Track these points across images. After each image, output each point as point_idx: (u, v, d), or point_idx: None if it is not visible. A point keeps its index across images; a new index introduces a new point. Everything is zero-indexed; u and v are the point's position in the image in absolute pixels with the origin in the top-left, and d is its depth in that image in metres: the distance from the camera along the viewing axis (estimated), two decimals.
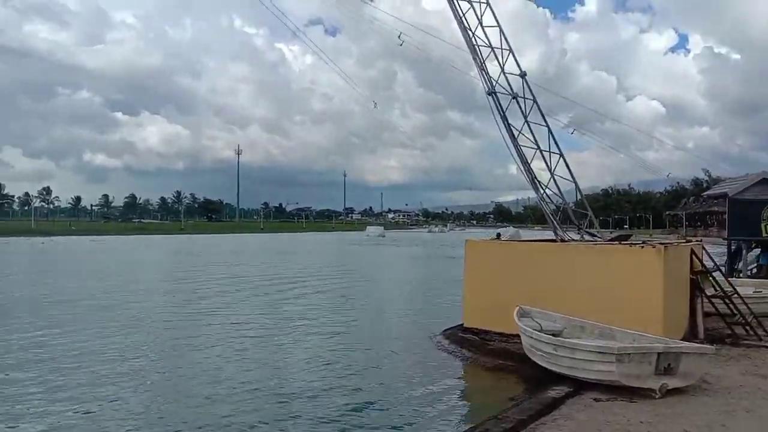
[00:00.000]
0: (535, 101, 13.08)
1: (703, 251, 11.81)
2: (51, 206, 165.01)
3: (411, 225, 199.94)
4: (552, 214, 12.47)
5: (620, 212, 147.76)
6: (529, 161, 12.83)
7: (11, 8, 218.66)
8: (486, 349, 9.93)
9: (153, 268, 31.98)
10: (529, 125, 13.06)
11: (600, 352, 7.19)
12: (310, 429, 6.90)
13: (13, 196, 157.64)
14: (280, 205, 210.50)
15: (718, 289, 11.06)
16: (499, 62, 13.35)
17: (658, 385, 7.04)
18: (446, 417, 7.27)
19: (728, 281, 12.03)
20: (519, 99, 13.25)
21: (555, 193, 12.90)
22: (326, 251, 49.56)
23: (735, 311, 10.98)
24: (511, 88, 13.33)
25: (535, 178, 12.71)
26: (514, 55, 13.50)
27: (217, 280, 23.47)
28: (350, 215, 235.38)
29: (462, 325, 11.38)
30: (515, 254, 11.09)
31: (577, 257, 10.28)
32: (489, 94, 13.22)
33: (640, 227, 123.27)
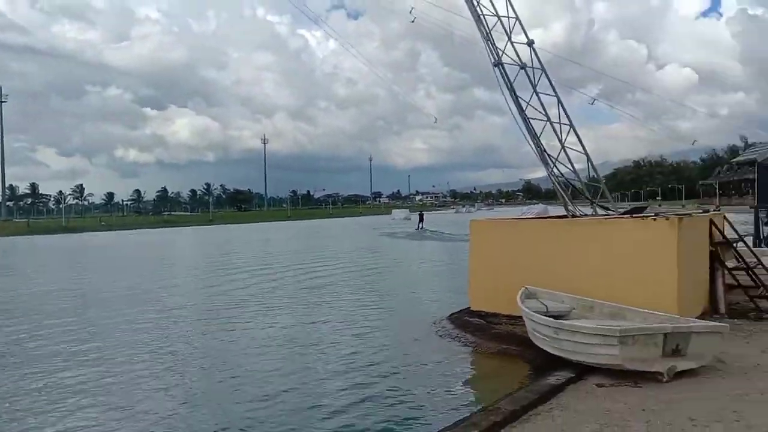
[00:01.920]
0: (543, 70, 12.47)
1: (725, 221, 11.13)
2: (85, 203, 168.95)
3: (439, 206, 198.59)
4: (563, 189, 11.91)
5: (652, 184, 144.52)
6: (538, 134, 12.27)
7: (38, 10, 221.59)
8: (490, 333, 9.47)
9: (177, 260, 32.18)
10: (538, 96, 12.49)
11: (602, 335, 6.68)
12: (289, 419, 6.61)
13: (48, 195, 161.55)
14: (308, 192, 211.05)
15: (740, 260, 10.40)
16: (506, 31, 12.77)
17: (665, 368, 6.52)
18: (435, 408, 6.84)
19: (752, 252, 11.32)
20: (527, 69, 12.71)
21: (570, 170, 12.36)
22: (348, 235, 49.48)
23: (758, 283, 10.31)
24: (520, 59, 12.75)
25: (545, 151, 12.14)
26: (521, 23, 12.91)
27: (228, 269, 23.40)
28: (378, 199, 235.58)
29: (469, 308, 10.95)
30: (521, 232, 10.57)
31: (586, 233, 9.72)
32: (495, 66, 12.66)
33: (673, 198, 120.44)
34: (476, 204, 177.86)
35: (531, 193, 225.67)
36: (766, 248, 15.87)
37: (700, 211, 10.61)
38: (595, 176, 11.81)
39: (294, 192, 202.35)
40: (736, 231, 11.19)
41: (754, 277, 10.37)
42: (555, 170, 11.89)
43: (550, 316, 8.75)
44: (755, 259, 11.03)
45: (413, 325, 11.27)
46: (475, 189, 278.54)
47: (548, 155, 11.95)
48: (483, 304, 10.62)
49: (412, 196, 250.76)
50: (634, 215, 9.71)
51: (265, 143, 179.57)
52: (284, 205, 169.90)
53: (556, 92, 12.16)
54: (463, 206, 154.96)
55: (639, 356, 6.53)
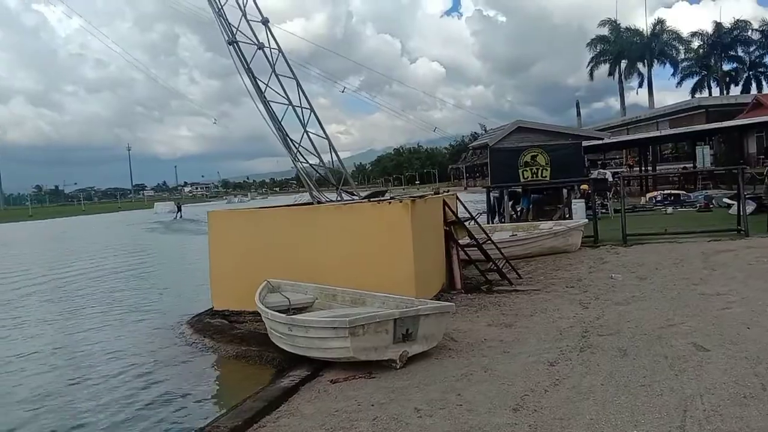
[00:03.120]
0: (280, 51, 11.85)
1: (458, 202, 11.73)
2: None
3: (210, 197, 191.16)
4: (308, 175, 11.51)
5: (411, 169, 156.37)
6: (280, 118, 11.66)
7: None
8: (231, 335, 8.62)
9: None
10: (277, 77, 11.85)
11: (332, 328, 6.27)
12: None
13: None
14: (57, 187, 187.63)
15: (472, 238, 11.01)
16: (239, 6, 11.89)
17: (398, 354, 6.35)
18: None
19: (482, 228, 12.15)
20: (266, 50, 12.00)
21: (315, 156, 11.96)
22: (97, 233, 44.63)
23: (488, 258, 11.03)
24: (256, 38, 11.99)
25: (287, 136, 11.58)
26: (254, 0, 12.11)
27: None
28: (142, 192, 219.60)
29: (212, 309, 10.00)
30: (262, 222, 9.88)
31: (327, 219, 9.37)
32: (230, 44, 11.71)
33: (429, 182, 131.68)
34: (249, 194, 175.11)
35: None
36: (497, 224, 17.49)
37: (432, 192, 11.01)
38: (338, 161, 11.61)
39: (39, 187, 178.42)
40: (468, 210, 11.89)
41: (483, 252, 11.05)
42: (299, 156, 11.41)
43: (292, 309, 8.29)
44: (485, 236, 11.83)
45: (146, 336, 9.91)
46: (248, 178, 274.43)
47: (291, 140, 11.42)
48: (226, 303, 9.75)
49: (180, 188, 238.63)
50: (371, 200, 9.64)
51: None
52: (27, 203, 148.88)
53: (294, 75, 11.67)
54: (236, 196, 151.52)
55: (371, 345, 6.25)
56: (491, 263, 10.92)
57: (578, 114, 74.25)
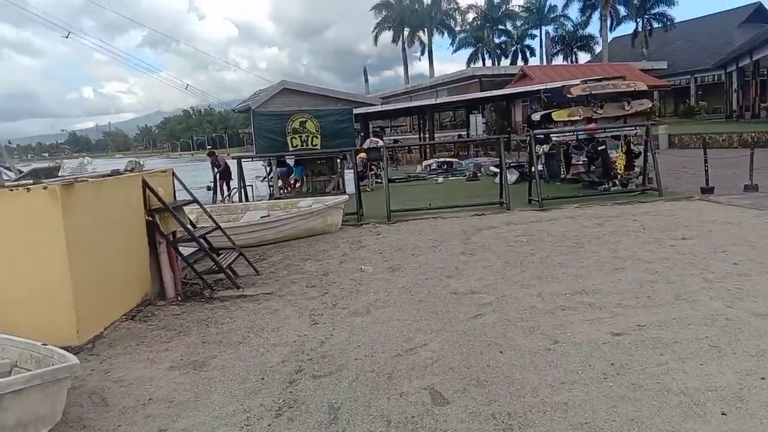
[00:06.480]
0: None
1: (175, 180, 9.04)
2: None
3: None
4: None
5: (202, 133, 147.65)
6: None
7: None
8: None
9: None
10: None
11: None
12: None
13: None
14: None
15: (183, 227, 8.44)
16: None
17: None
18: None
19: (207, 213, 9.61)
20: None
21: None
22: None
23: (208, 254, 8.60)
24: None
25: None
26: None
27: None
28: None
29: None
30: None
31: None
32: None
33: (222, 147, 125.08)
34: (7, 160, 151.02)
35: (79, 145, 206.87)
36: (251, 202, 15.12)
37: (131, 169, 8.18)
38: None
39: None
40: (188, 191, 9.24)
41: (201, 246, 8.58)
42: None
43: None
44: (213, 224, 9.35)
45: None
46: (9, 142, 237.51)
47: None
48: None
49: None
50: (6, 184, 6.54)
51: None
52: None
53: None
54: None
55: None
56: (213, 262, 8.49)
57: (366, 81, 74.32)
